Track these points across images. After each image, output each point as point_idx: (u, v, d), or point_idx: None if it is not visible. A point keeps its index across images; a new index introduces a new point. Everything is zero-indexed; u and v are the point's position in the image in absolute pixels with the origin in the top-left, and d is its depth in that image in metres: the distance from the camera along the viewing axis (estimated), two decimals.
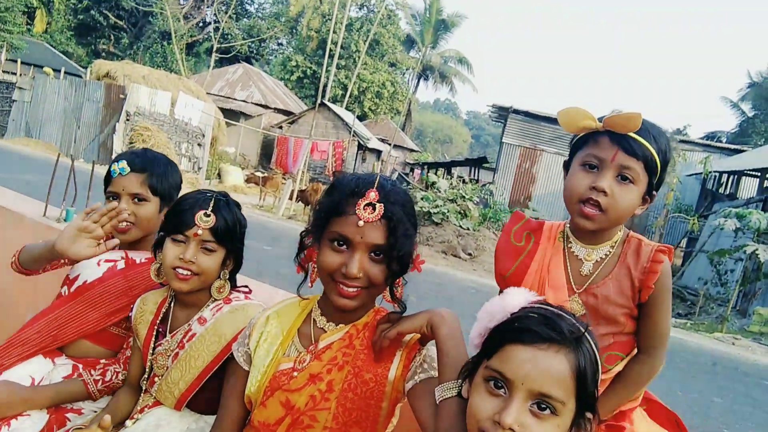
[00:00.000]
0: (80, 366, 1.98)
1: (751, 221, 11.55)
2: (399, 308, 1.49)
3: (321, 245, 1.44)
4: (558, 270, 1.60)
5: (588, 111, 1.54)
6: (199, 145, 21.76)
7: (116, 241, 1.88)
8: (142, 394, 1.85)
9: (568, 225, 1.67)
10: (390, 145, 28.96)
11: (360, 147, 28.05)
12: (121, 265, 2.04)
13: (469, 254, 14.99)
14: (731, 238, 12.17)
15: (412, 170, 32.77)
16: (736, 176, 17.42)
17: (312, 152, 24.93)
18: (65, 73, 23.39)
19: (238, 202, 1.85)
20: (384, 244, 1.38)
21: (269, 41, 46.09)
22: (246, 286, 1.92)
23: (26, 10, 35.24)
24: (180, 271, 1.72)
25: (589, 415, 1.11)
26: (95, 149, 19.81)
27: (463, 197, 17.28)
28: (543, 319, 1.09)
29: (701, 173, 16.44)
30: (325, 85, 31.80)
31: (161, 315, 1.85)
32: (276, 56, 47.90)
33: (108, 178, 2.05)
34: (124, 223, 1.99)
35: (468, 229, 16.36)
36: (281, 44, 48.36)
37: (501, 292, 1.66)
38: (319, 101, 24.29)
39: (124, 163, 2.00)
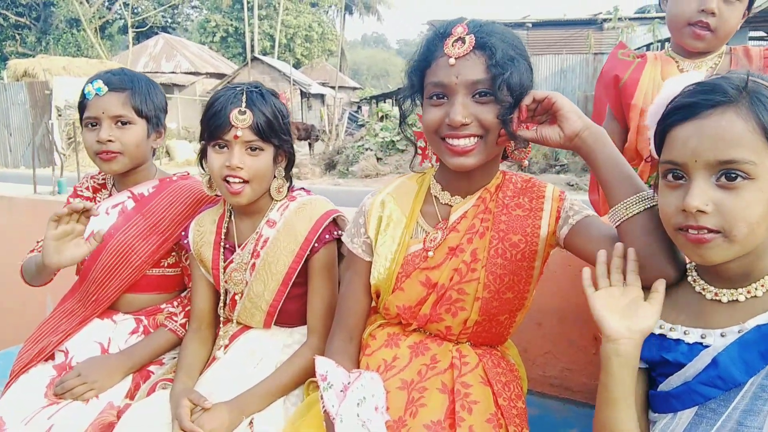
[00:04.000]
0: (143, 317, 1.85)
1: None
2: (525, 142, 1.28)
3: (423, 107, 1.30)
4: (675, 75, 1.65)
5: None
6: None
7: (102, 231, 1.66)
8: (222, 325, 1.74)
9: (669, 49, 1.76)
10: (334, 87, 28.34)
11: (303, 95, 27.39)
12: (130, 204, 1.83)
13: None
14: None
15: (359, 108, 32.28)
16: None
17: None
18: None
19: (274, 91, 1.66)
20: (485, 78, 1.19)
21: (182, 6, 43.84)
22: (302, 188, 1.77)
23: None
24: (231, 180, 1.55)
25: None
26: (34, 153, 18.85)
27: None
28: (698, 87, 0.98)
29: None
30: (252, 40, 30.58)
31: (223, 231, 1.71)
32: (193, 21, 45.74)
33: (83, 104, 1.78)
34: (110, 152, 1.74)
35: None
36: (195, 7, 46.04)
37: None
38: (250, 57, 23.44)
39: (100, 83, 1.72)
